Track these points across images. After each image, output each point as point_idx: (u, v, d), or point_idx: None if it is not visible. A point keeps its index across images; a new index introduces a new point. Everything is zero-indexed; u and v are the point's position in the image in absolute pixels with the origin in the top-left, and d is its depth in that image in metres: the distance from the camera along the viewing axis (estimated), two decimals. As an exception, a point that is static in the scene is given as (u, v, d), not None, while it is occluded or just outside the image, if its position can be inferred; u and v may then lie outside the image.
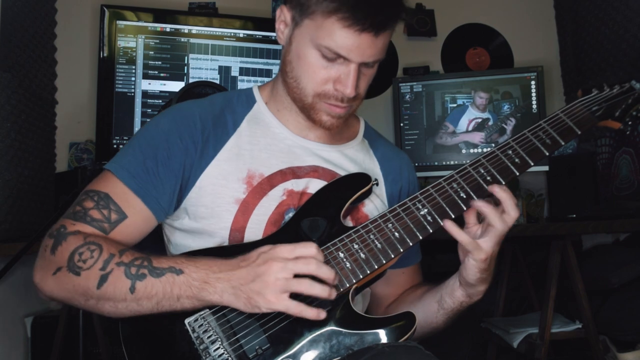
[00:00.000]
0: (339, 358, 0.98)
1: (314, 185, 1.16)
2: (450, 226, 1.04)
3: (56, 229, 1.03)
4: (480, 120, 2.50)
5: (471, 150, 2.50)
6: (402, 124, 2.55)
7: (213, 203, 1.11)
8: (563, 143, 1.11)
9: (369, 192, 1.15)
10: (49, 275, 1.00)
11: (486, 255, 1.04)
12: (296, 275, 0.95)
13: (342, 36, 1.04)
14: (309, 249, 0.97)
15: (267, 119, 1.20)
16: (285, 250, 0.96)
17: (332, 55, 1.06)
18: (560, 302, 2.10)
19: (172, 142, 1.10)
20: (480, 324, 2.40)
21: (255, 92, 1.23)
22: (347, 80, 1.07)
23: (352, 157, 1.24)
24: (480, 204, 1.04)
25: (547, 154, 1.10)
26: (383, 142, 1.33)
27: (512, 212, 1.03)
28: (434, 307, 1.16)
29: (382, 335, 1.00)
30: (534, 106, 2.47)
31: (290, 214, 1.13)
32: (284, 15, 1.13)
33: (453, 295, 1.13)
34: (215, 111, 1.17)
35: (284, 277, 0.94)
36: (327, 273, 0.97)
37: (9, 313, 2.12)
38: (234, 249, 1.08)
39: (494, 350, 2.44)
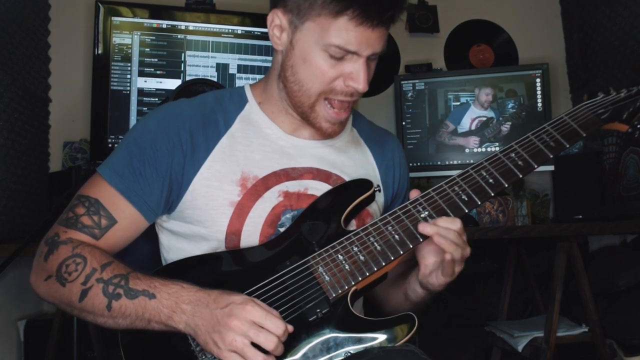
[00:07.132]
0: (336, 361, 0.98)
1: (312, 186, 1.16)
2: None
3: (50, 237, 1.07)
4: (484, 119, 2.46)
5: (475, 150, 2.46)
6: (403, 123, 2.51)
7: (207, 206, 1.10)
8: (567, 145, 1.12)
9: (371, 198, 1.16)
10: (41, 280, 1.05)
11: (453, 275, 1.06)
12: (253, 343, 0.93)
13: (354, 34, 1.04)
14: (280, 327, 0.93)
15: (259, 119, 1.19)
16: (257, 314, 0.93)
17: (341, 53, 1.07)
18: (566, 305, 2.08)
19: (159, 142, 1.10)
20: (484, 327, 2.38)
21: (247, 92, 1.22)
22: (359, 76, 1.08)
23: (344, 150, 1.23)
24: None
25: (551, 156, 1.12)
26: (369, 126, 1.33)
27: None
28: (401, 299, 1.19)
29: (381, 338, 0.99)
30: (539, 104, 2.43)
31: (288, 215, 1.13)
32: (278, 19, 1.13)
33: (416, 292, 1.14)
34: (205, 110, 1.16)
35: (242, 342, 0.92)
36: (279, 353, 0.94)
37: (1, 316, 2.10)
38: (230, 255, 1.09)
39: (499, 354, 2.41)
